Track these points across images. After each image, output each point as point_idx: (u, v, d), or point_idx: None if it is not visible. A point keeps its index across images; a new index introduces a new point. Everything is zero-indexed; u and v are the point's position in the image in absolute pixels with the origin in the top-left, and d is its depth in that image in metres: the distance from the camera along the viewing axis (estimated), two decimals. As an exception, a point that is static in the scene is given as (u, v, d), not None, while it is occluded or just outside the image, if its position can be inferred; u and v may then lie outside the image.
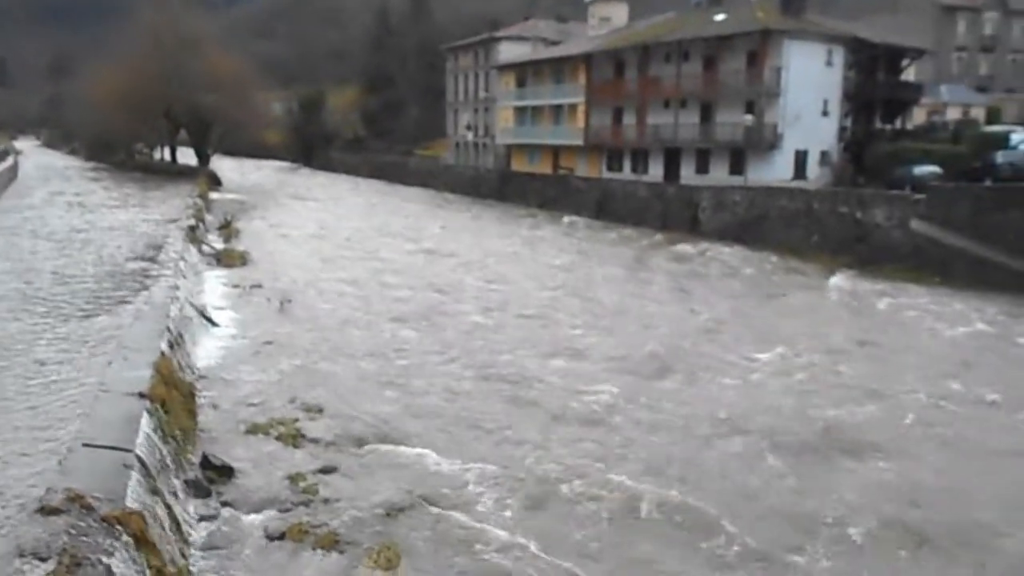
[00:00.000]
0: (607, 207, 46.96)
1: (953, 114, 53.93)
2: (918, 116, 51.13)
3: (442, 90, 77.32)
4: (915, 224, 30.34)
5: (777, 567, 10.45)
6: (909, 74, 49.81)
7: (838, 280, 29.53)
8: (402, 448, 13.73)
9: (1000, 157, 34.79)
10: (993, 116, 55.11)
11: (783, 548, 10.83)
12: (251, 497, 11.64)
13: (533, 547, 10.71)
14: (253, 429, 14.14)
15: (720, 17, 45.14)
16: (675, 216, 41.78)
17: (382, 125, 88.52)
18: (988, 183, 32.37)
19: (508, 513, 11.66)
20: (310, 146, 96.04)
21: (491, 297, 26.38)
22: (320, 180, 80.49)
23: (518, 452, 13.75)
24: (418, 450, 13.64)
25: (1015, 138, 39.68)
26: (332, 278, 28.97)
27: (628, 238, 40.58)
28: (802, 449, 14.06)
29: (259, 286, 26.11)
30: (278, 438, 13.85)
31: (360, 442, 13.93)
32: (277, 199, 59.63)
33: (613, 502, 11.95)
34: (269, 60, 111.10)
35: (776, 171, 40.18)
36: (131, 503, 8.44)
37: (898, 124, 47.25)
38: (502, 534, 11.02)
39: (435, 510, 11.59)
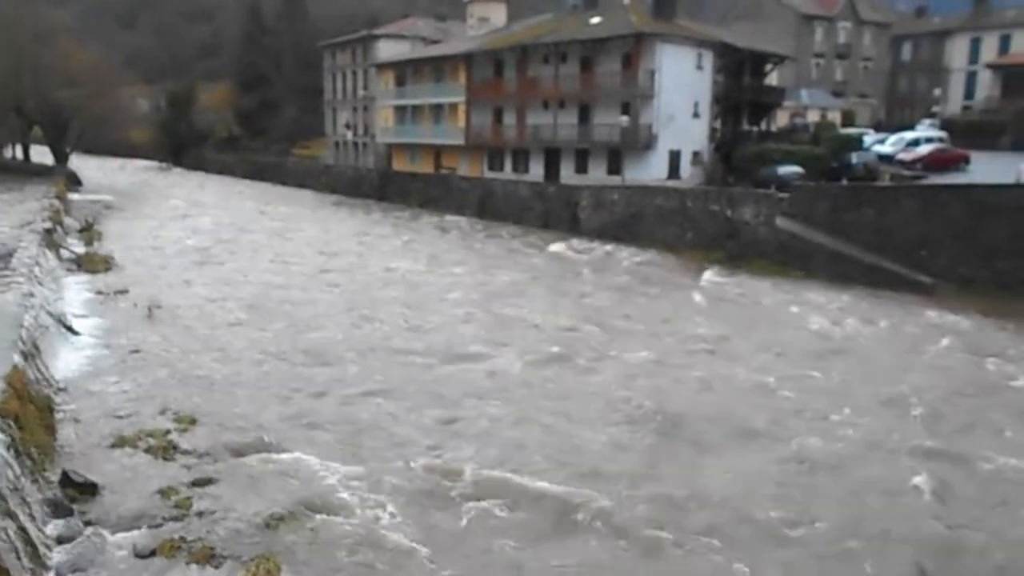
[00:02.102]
0: (489, 206, 47.19)
1: (813, 117, 57.28)
2: (781, 118, 54.03)
3: (320, 88, 75.69)
4: (780, 221, 31.95)
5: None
6: (772, 78, 52.57)
7: (708, 275, 30.60)
8: (282, 455, 13.30)
9: (855, 158, 37.34)
10: (848, 119, 59.09)
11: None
12: (117, 514, 10.99)
13: (419, 548, 10.61)
14: (120, 442, 13.35)
15: (595, 20, 46.17)
16: (556, 215, 42.44)
17: (258, 124, 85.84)
18: (844, 182, 34.57)
19: (394, 515, 11.49)
20: (180, 145, 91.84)
21: (363, 296, 25.97)
22: (191, 180, 77.14)
23: (402, 453, 13.57)
24: (299, 456, 13.25)
25: (868, 140, 42.76)
26: (204, 281, 27.78)
27: (504, 237, 40.80)
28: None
29: (125, 292, 24.75)
30: (148, 451, 13.14)
31: (237, 451, 13.39)
32: (143, 200, 56.70)
33: (499, 500, 11.96)
34: (133, 53, 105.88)
35: (652, 171, 41.47)
36: (-22, 528, 7.78)
37: (763, 126, 49.78)
38: (388, 536, 10.88)
39: (318, 517, 11.29)
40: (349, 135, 70.03)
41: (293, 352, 19.20)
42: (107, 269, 28.75)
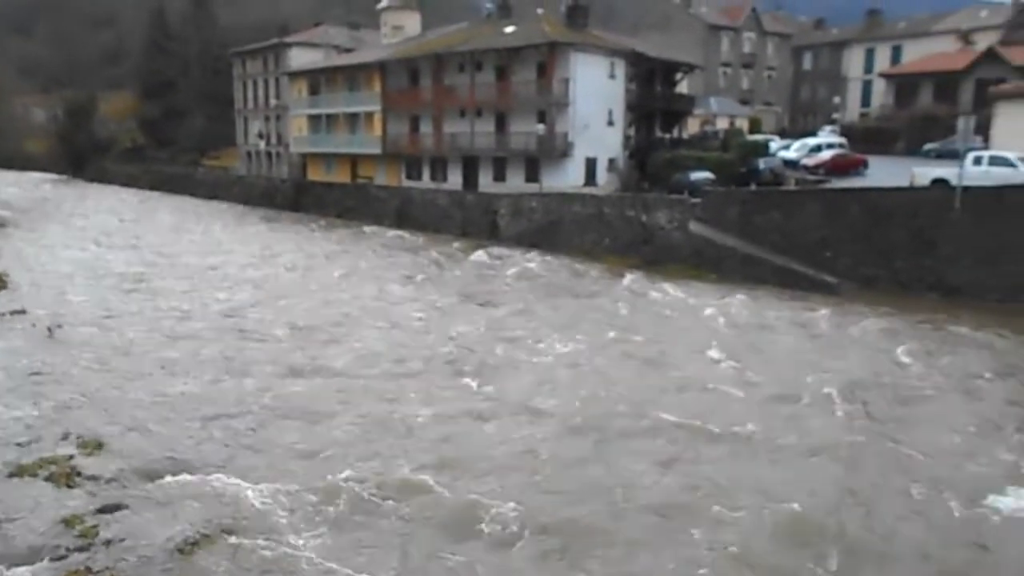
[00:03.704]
0: (408, 215, 46.84)
1: (722, 124, 59.09)
2: (692, 126, 55.48)
3: (230, 97, 73.82)
4: (693, 226, 32.71)
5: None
6: (683, 87, 53.93)
7: (626, 280, 30.96)
8: (197, 477, 12.79)
9: (762, 164, 38.61)
10: (755, 126, 61.13)
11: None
12: (16, 548, 10.38)
13: (343, 568, 10.33)
14: (18, 472, 12.62)
15: (509, 29, 46.48)
16: (475, 223, 42.43)
17: (164, 133, 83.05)
18: (753, 187, 35.69)
19: (317, 534, 11.18)
20: (81, 156, 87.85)
21: (274, 309, 25.36)
22: (93, 193, 73.93)
23: (324, 469, 13.22)
24: (216, 477, 12.77)
25: (774, 146, 44.30)
26: (109, 299, 26.54)
27: (421, 247, 40.51)
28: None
29: (22, 312, 23.45)
30: (49, 479, 12.43)
31: (148, 475, 12.82)
32: (40, 215, 54.06)
33: (425, 512, 11.81)
34: (28, 61, 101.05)
35: (569, 178, 41.94)
36: None
37: (675, 133, 50.97)
38: (310, 557, 10.56)
39: (235, 540, 10.88)
40: (262, 145, 68.50)
41: (205, 370, 18.54)
42: (1, 289, 27.23)
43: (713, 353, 20.29)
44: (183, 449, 13.88)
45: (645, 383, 18.11)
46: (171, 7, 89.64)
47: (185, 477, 12.73)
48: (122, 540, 10.71)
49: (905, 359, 19.99)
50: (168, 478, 12.68)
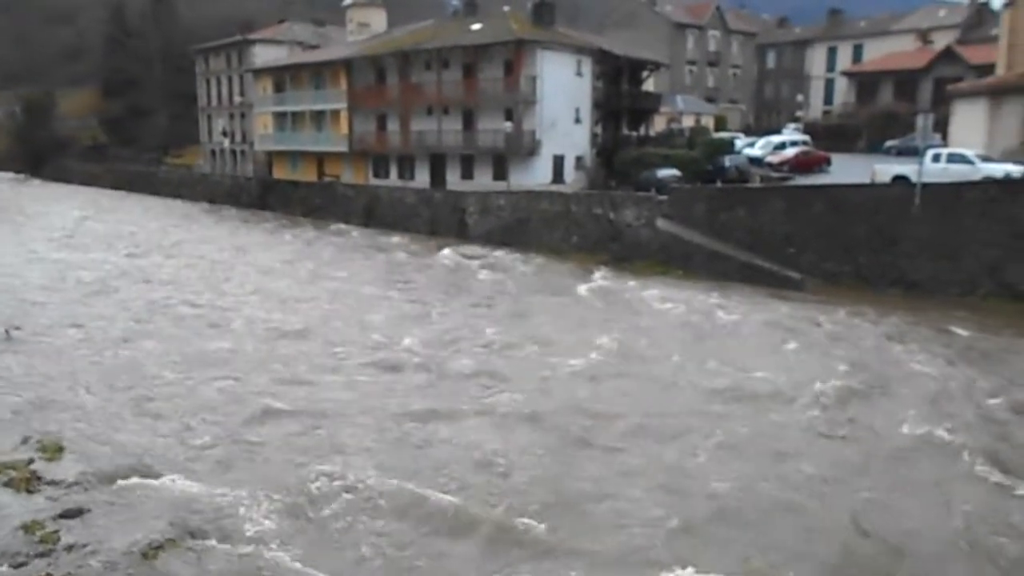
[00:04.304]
0: (375, 214, 46.55)
1: (688, 122, 59.53)
2: (659, 123, 55.82)
3: (193, 95, 72.85)
4: (660, 223, 32.93)
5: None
6: (649, 85, 54.28)
7: (598, 278, 31.04)
8: (161, 480, 12.59)
9: (728, 161, 38.99)
10: (720, 124, 61.70)
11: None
12: (-26, 556, 10.12)
13: (312, 571, 10.24)
14: (-25, 478, 12.32)
15: (476, 26, 46.40)
16: (443, 221, 42.30)
17: (127, 131, 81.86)
18: (719, 184, 36.02)
19: (284, 537, 11.05)
20: (40, 154, 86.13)
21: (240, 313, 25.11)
22: (52, 192, 72.49)
23: (289, 470, 13.09)
24: (180, 480, 12.58)
25: (739, 144, 44.76)
26: (68, 300, 26.10)
27: (392, 246, 40.31)
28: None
29: (-24, 314, 22.95)
30: (8, 484, 12.17)
31: (111, 478, 12.58)
32: None
33: (392, 512, 11.74)
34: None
35: (536, 176, 42.00)
36: None
37: (642, 131, 51.26)
38: (278, 559, 10.45)
39: (201, 543, 10.74)
40: (226, 143, 67.69)
41: (173, 373, 18.24)
42: (-43, 290, 26.64)
43: (713, 363, 19.16)
44: (148, 452, 13.66)
45: (660, 394, 17.37)
46: (131, 3, 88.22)
47: (150, 480, 12.52)
48: (84, 545, 10.52)
49: (927, 368, 18.84)
50: (132, 481, 12.46)
